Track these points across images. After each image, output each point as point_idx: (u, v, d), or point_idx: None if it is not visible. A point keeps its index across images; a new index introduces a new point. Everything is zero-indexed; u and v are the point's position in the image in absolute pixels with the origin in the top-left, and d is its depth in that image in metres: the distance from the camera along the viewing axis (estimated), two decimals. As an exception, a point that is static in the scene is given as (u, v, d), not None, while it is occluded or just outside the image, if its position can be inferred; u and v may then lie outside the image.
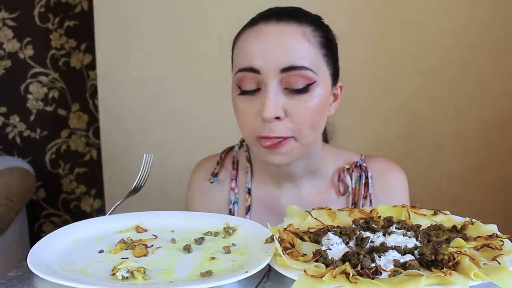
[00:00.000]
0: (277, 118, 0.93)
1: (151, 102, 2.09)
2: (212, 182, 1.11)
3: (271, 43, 0.94)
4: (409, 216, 0.88)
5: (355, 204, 1.07)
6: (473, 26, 1.96)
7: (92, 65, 2.38)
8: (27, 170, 2.36)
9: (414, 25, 1.98)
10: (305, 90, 0.93)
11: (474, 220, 0.84)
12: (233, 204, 1.10)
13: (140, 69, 2.08)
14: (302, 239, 0.81)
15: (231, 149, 1.16)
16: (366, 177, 1.08)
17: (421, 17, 1.97)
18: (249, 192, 1.09)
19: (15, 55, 2.42)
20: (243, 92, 0.96)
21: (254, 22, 0.99)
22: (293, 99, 0.94)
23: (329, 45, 0.99)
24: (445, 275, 0.65)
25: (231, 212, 1.10)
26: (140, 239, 0.83)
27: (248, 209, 1.09)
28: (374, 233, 0.79)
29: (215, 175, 1.11)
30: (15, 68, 2.43)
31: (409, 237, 0.77)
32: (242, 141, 1.15)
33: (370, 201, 1.07)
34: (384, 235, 0.79)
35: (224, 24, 2.02)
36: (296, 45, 0.94)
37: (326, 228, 0.82)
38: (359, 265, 0.68)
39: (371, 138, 2.01)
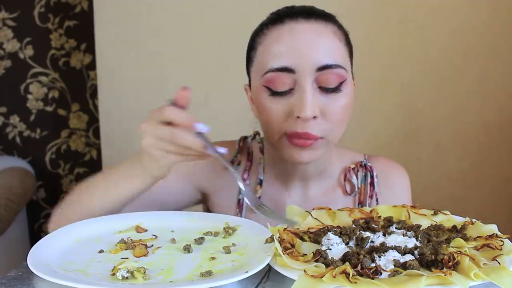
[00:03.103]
0: (314, 117, 0.92)
1: (151, 102, 2.08)
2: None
3: (306, 41, 0.92)
4: (409, 216, 0.88)
5: (361, 204, 1.07)
6: (473, 26, 1.96)
7: (92, 65, 2.38)
8: (27, 170, 2.36)
9: (414, 24, 1.98)
10: (338, 88, 0.93)
11: (474, 220, 0.84)
12: (243, 195, 1.07)
13: (140, 69, 2.08)
14: (302, 239, 0.81)
15: (245, 138, 1.14)
16: (372, 177, 1.08)
17: (421, 17, 1.98)
18: (260, 183, 1.08)
19: (15, 55, 2.42)
20: (275, 93, 0.94)
21: (279, 20, 0.96)
22: (327, 98, 0.93)
23: (349, 42, 1.00)
24: (445, 275, 0.65)
25: (240, 203, 1.08)
26: (140, 239, 0.83)
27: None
28: (374, 233, 0.79)
29: (238, 163, 1.10)
30: (15, 68, 2.43)
31: (409, 237, 0.77)
32: (256, 134, 1.14)
33: (377, 200, 1.08)
34: (384, 235, 0.79)
35: (224, 24, 2.02)
36: (330, 43, 0.94)
37: (326, 228, 0.82)
38: (359, 265, 0.68)
39: (370, 138, 2.01)
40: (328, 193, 1.08)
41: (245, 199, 0.86)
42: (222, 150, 0.83)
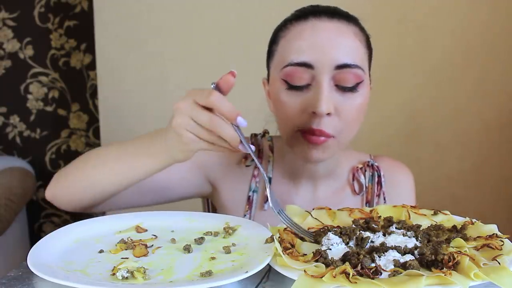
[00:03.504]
0: (328, 114, 0.93)
1: (151, 102, 2.09)
2: (248, 166, 1.09)
3: (327, 39, 0.94)
4: (409, 216, 0.88)
5: (369, 203, 1.09)
6: (473, 26, 1.96)
7: (92, 65, 2.38)
8: (27, 170, 2.36)
9: (414, 24, 1.98)
10: (354, 88, 0.95)
11: (474, 220, 0.84)
12: (253, 192, 1.09)
13: (140, 69, 2.08)
14: (302, 239, 0.81)
15: (255, 136, 1.15)
16: (379, 176, 1.10)
17: (420, 17, 1.97)
18: (269, 181, 1.08)
19: (15, 55, 2.42)
20: (292, 87, 0.95)
21: (303, 16, 0.98)
22: (343, 97, 0.95)
23: (370, 46, 1.01)
24: (445, 275, 0.65)
25: (249, 200, 1.08)
26: (140, 239, 0.83)
27: (267, 198, 1.08)
28: (374, 233, 0.79)
29: (252, 159, 1.09)
30: (15, 68, 2.43)
31: (409, 237, 0.77)
32: (265, 132, 1.14)
33: (384, 199, 1.09)
34: (384, 235, 0.79)
35: (224, 24, 2.02)
36: (351, 43, 0.95)
37: (326, 228, 0.82)
38: (359, 265, 0.68)
39: (371, 138, 2.01)
40: (337, 193, 1.09)
41: (270, 204, 0.82)
42: (253, 147, 0.81)
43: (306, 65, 0.93)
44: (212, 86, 0.79)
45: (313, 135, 0.94)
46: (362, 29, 1.00)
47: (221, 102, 0.76)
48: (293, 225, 0.82)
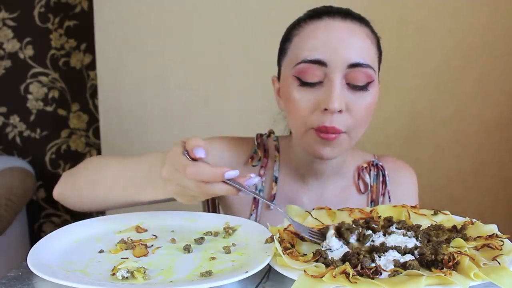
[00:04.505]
0: (340, 111, 0.94)
1: (151, 102, 2.09)
2: (254, 166, 1.11)
3: (341, 39, 0.96)
4: (409, 216, 0.88)
5: (374, 201, 1.10)
6: (473, 27, 1.96)
7: (92, 65, 2.38)
8: (27, 170, 2.36)
9: (414, 26, 1.98)
10: (365, 87, 0.97)
11: (474, 220, 0.84)
12: (259, 191, 1.09)
13: (140, 69, 2.08)
14: (302, 239, 0.81)
15: (261, 136, 1.16)
16: (383, 175, 1.12)
17: (421, 18, 1.97)
18: (275, 180, 1.10)
19: (15, 55, 2.42)
20: (304, 84, 0.96)
21: (316, 16, 0.99)
22: (354, 96, 0.96)
23: (380, 47, 1.03)
24: (445, 275, 0.65)
25: (256, 199, 1.09)
26: (140, 239, 0.83)
27: (274, 197, 1.09)
28: (375, 233, 0.79)
29: (259, 159, 1.11)
30: (15, 68, 2.43)
31: (409, 237, 0.78)
32: (271, 132, 1.15)
33: (389, 198, 1.11)
34: (384, 235, 0.79)
35: (224, 24, 2.02)
36: (363, 43, 0.97)
37: (327, 228, 0.82)
38: (359, 265, 0.68)
39: (371, 139, 2.00)
40: (344, 191, 1.10)
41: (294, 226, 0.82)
42: (256, 180, 0.78)
43: (320, 63, 0.95)
44: (185, 154, 0.77)
45: (327, 132, 0.95)
46: (373, 31, 1.02)
47: (199, 173, 0.75)
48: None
